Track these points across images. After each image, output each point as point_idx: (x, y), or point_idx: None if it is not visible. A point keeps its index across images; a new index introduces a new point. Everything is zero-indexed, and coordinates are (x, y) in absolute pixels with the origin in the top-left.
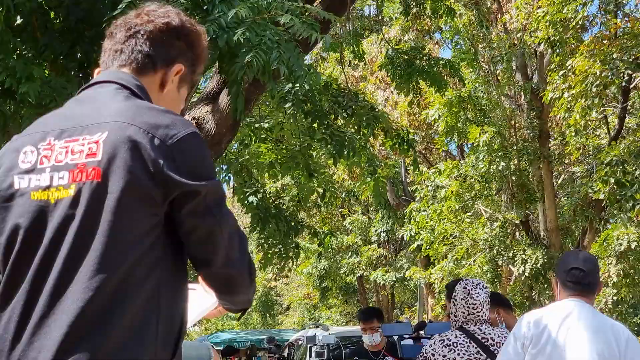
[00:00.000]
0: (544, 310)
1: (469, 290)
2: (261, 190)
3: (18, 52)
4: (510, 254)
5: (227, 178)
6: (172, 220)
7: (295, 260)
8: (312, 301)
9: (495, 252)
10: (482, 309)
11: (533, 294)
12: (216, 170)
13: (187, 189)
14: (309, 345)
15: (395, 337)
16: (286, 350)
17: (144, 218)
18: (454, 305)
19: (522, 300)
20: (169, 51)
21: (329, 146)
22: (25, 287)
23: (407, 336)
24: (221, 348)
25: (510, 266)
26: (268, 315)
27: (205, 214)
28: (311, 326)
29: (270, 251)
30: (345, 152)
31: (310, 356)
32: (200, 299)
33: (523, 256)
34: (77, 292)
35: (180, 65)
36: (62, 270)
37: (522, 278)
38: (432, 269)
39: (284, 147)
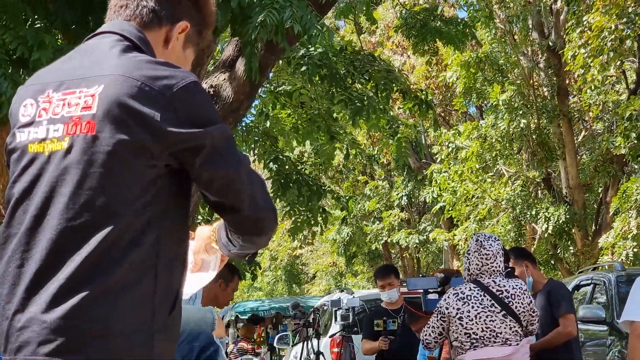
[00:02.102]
0: None
1: (481, 242)
2: (281, 157)
3: (30, 22)
4: (533, 212)
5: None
6: (186, 175)
7: (324, 224)
8: (338, 269)
9: (517, 211)
10: (495, 260)
11: (557, 251)
12: (234, 138)
13: (189, 138)
14: (334, 309)
15: (421, 292)
16: (311, 316)
17: (140, 172)
18: (467, 258)
19: (547, 258)
20: (175, 8)
21: (348, 108)
22: (20, 240)
23: (432, 290)
24: (246, 317)
25: (533, 224)
26: (294, 284)
27: (218, 161)
28: (336, 290)
29: (300, 219)
30: (364, 113)
31: (336, 320)
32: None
33: (546, 214)
34: (72, 245)
35: (185, 22)
36: (56, 224)
37: (546, 236)
38: (455, 230)
39: (304, 112)
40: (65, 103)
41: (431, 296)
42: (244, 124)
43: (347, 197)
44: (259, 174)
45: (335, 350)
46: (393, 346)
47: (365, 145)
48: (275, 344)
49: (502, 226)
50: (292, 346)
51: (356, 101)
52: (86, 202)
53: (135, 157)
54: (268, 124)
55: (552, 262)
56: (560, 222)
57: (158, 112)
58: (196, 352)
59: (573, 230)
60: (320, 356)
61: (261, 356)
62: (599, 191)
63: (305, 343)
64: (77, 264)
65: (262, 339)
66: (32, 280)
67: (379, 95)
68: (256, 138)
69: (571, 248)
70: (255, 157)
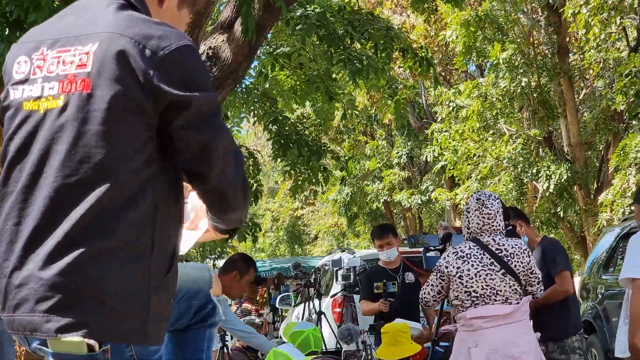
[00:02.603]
0: None
1: (483, 200)
2: (280, 117)
3: None
4: (534, 171)
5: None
6: (166, 134)
7: (325, 183)
8: (339, 229)
9: (519, 169)
10: (495, 219)
11: (558, 210)
12: (234, 100)
13: (178, 99)
14: (335, 269)
15: (421, 249)
16: (313, 276)
17: (135, 130)
18: (467, 217)
19: (548, 217)
20: None
21: (347, 69)
22: (16, 198)
23: (432, 248)
24: None
25: (534, 183)
26: (296, 245)
27: (197, 127)
28: (337, 251)
29: (300, 177)
30: (364, 73)
31: (337, 280)
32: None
33: (547, 172)
34: (69, 202)
35: None
36: (52, 181)
37: (547, 194)
38: (457, 189)
39: (302, 73)
40: (60, 61)
41: (431, 254)
42: (243, 86)
43: (346, 157)
44: (239, 150)
45: (337, 310)
46: (393, 307)
47: (366, 106)
48: (277, 305)
49: (504, 185)
50: (294, 306)
51: (355, 61)
52: (82, 160)
53: (130, 114)
54: (267, 85)
55: (554, 220)
56: (562, 180)
57: (151, 70)
58: (194, 310)
59: (574, 189)
60: (322, 316)
61: (264, 317)
62: (600, 149)
63: (307, 303)
64: (74, 222)
65: (264, 299)
66: (29, 237)
67: (379, 54)
68: (255, 100)
69: (573, 206)
70: (255, 118)
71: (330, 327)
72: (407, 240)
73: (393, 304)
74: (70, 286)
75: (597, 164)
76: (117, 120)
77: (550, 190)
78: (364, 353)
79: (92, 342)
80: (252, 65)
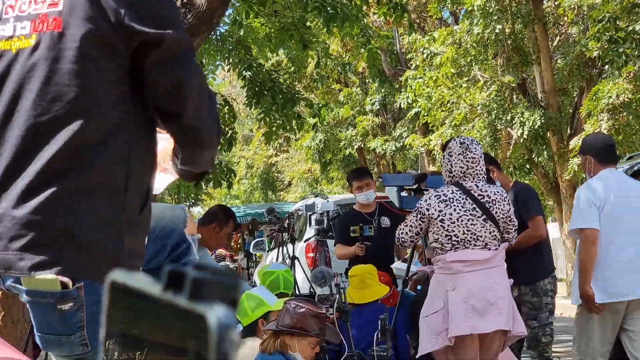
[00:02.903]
0: (601, 179)
1: (467, 144)
2: (254, 65)
3: None
4: (508, 117)
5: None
6: (139, 73)
7: (298, 130)
8: (313, 176)
9: (493, 116)
10: (479, 164)
11: (532, 155)
12: (209, 48)
13: (149, 37)
14: (308, 214)
15: (395, 189)
16: (286, 221)
17: (107, 68)
18: (449, 161)
19: (522, 163)
20: None
21: (321, 16)
22: None
23: (407, 187)
24: None
25: (508, 129)
26: (270, 192)
27: (171, 65)
28: (310, 195)
29: (275, 124)
30: (338, 20)
31: (310, 225)
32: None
33: (521, 118)
34: (41, 141)
35: None
36: (24, 120)
37: (521, 141)
38: (431, 135)
39: (277, 20)
40: (32, 0)
41: (405, 193)
42: (218, 34)
43: (320, 105)
44: (212, 92)
45: (311, 255)
46: (369, 251)
47: (340, 53)
48: (251, 250)
49: (478, 131)
50: (268, 252)
51: (329, 8)
52: (54, 98)
53: (102, 53)
54: (242, 32)
55: (528, 166)
56: (536, 126)
57: (122, 9)
58: (169, 249)
59: (548, 135)
60: (296, 261)
61: (238, 262)
62: (574, 95)
63: (281, 248)
64: (47, 160)
65: (238, 245)
66: (2, 177)
67: (353, 1)
68: (230, 47)
69: (546, 152)
70: (230, 66)
71: (304, 271)
72: (382, 178)
73: (369, 248)
74: (43, 224)
75: (570, 110)
76: (89, 59)
77: (524, 136)
78: (337, 296)
79: (65, 279)
80: (227, 13)
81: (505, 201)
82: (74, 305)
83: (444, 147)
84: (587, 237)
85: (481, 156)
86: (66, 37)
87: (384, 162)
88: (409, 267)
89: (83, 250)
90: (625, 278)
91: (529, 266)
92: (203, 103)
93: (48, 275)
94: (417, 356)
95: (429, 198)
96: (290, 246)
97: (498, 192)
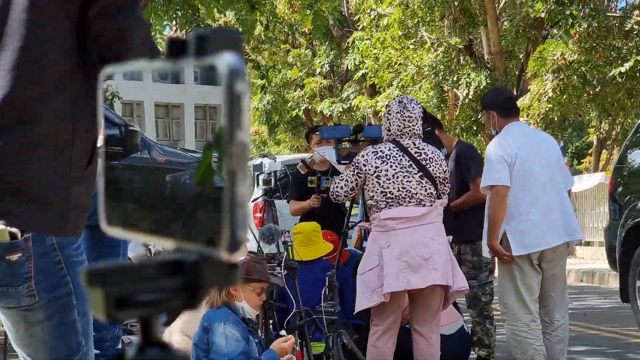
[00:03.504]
0: (508, 133)
1: (405, 103)
2: (202, 25)
3: None
4: (455, 78)
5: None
6: (84, 23)
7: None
8: (260, 137)
9: (440, 77)
10: (417, 123)
11: (479, 117)
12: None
13: None
14: (256, 174)
15: (333, 141)
16: None
17: (57, 19)
18: (387, 119)
19: (469, 124)
20: None
21: None
22: None
23: (345, 139)
24: None
25: (455, 91)
26: None
27: (116, 13)
28: (258, 156)
29: None
30: None
31: (258, 185)
32: None
33: (467, 79)
34: None
35: None
36: None
37: (467, 101)
38: (378, 97)
39: None
40: None
41: (344, 145)
42: None
43: (267, 67)
44: (156, 46)
45: (258, 215)
46: (323, 204)
47: (287, 15)
48: None
49: (425, 92)
50: None
51: None
52: (1, 48)
53: (52, 3)
54: None
55: (474, 128)
56: (481, 87)
57: None
58: None
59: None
60: None
61: None
62: (520, 57)
63: None
64: None
65: None
66: None
67: None
68: (177, 7)
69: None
70: (177, 26)
71: (252, 231)
72: (320, 130)
73: (324, 200)
74: None
75: (516, 73)
76: (38, 8)
77: (470, 97)
78: (285, 253)
79: (14, 229)
80: None
81: (442, 160)
82: (22, 255)
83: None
84: (497, 193)
85: (419, 115)
86: None
87: (331, 124)
88: (347, 221)
89: (31, 203)
90: (539, 229)
91: (469, 225)
92: (146, 54)
93: None
94: (354, 312)
95: (367, 154)
96: None
97: (436, 151)
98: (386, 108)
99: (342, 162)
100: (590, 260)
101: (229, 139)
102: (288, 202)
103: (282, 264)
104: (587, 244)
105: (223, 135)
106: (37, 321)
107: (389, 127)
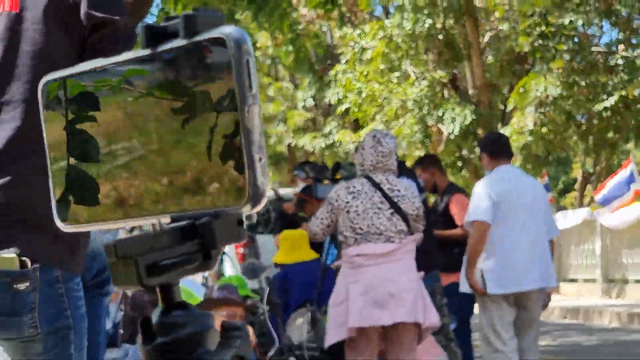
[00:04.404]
0: (496, 174)
1: (378, 138)
2: None
3: None
4: (439, 113)
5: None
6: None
7: None
8: None
9: (424, 111)
10: (390, 158)
11: (463, 152)
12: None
13: (101, 20)
14: None
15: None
16: None
17: (64, 49)
18: (361, 154)
19: (453, 160)
20: None
21: (250, 6)
22: None
23: (325, 179)
24: None
25: (439, 126)
26: None
27: (114, 41)
28: None
29: None
30: (267, 10)
31: None
32: None
33: (452, 114)
34: (3, 120)
35: None
36: None
37: (452, 137)
38: (361, 131)
39: None
40: None
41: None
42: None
43: None
44: None
45: (241, 250)
46: None
47: (269, 47)
48: None
49: (409, 127)
50: None
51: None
52: (12, 78)
53: (59, 34)
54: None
55: (459, 163)
56: (466, 122)
57: None
58: (94, 272)
59: (479, 131)
60: (225, 256)
61: None
62: (505, 91)
63: None
64: (6, 140)
65: None
66: None
67: None
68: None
69: (477, 149)
70: None
71: (234, 266)
72: (295, 169)
73: None
74: (4, 203)
75: (501, 107)
76: (46, 40)
77: (455, 132)
78: (268, 288)
79: (24, 258)
80: (155, 4)
81: (416, 198)
82: (29, 285)
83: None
84: (476, 228)
85: (393, 150)
86: (25, 17)
87: (314, 159)
88: (325, 258)
89: (42, 233)
90: (517, 271)
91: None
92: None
93: (7, 254)
94: (325, 345)
95: (339, 189)
96: None
97: (409, 187)
98: (360, 142)
99: (319, 198)
100: (574, 297)
101: (242, 102)
102: (274, 236)
103: (265, 300)
104: (572, 280)
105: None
106: (36, 353)
107: (362, 161)
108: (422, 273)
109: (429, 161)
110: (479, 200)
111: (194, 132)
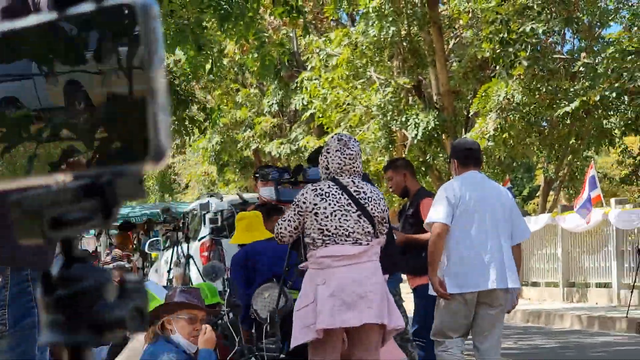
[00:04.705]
0: (460, 180)
1: (345, 141)
2: None
3: None
4: (403, 119)
5: None
6: None
7: (193, 133)
8: (209, 178)
9: (388, 117)
10: (356, 161)
11: (427, 157)
12: None
13: None
14: (203, 213)
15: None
16: (182, 221)
17: None
18: (326, 157)
19: (417, 165)
20: None
21: (216, 14)
22: None
23: (285, 180)
24: (118, 224)
25: (404, 131)
26: (167, 194)
27: None
28: (206, 195)
29: (170, 128)
30: (232, 19)
31: (205, 224)
32: None
33: (416, 120)
34: None
35: None
36: None
37: (416, 142)
38: (325, 137)
39: (172, 21)
40: None
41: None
42: None
43: (211, 109)
44: None
45: (205, 254)
46: None
47: (236, 54)
48: (146, 250)
49: (373, 133)
50: (163, 251)
51: (223, 2)
52: None
53: None
54: None
55: (423, 169)
56: (430, 128)
57: None
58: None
59: (443, 137)
60: (190, 260)
61: (133, 262)
62: (469, 98)
63: (175, 247)
64: None
65: (134, 245)
66: None
67: (250, 2)
68: None
69: (441, 155)
70: None
71: (198, 270)
72: (256, 172)
73: None
74: None
75: (465, 113)
76: None
77: (419, 138)
78: (228, 290)
79: None
80: None
81: (381, 200)
82: (0, 282)
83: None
84: (434, 230)
85: (359, 153)
86: None
87: (280, 165)
88: (287, 263)
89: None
90: (475, 272)
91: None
92: None
93: None
94: (290, 348)
95: (306, 192)
96: (185, 245)
97: (374, 190)
98: (324, 146)
99: (282, 200)
100: (537, 301)
101: (148, 65)
102: None
103: (225, 302)
104: (535, 284)
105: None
106: (2, 350)
107: (327, 165)
108: (386, 275)
109: (402, 164)
110: (439, 203)
111: (99, 92)
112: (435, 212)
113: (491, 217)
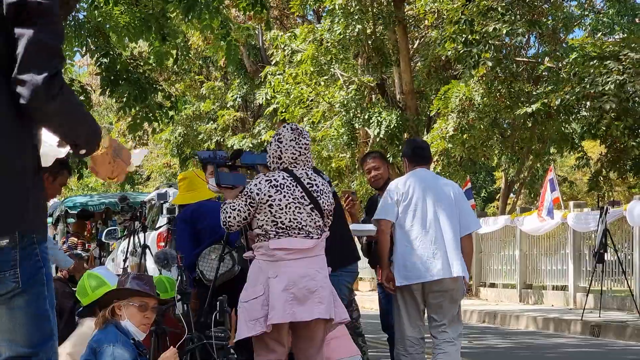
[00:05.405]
0: (407, 176)
1: (300, 131)
2: (111, 53)
3: None
4: (366, 117)
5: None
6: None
7: (162, 121)
8: (172, 170)
9: (351, 114)
10: (309, 152)
11: (388, 155)
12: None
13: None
14: (161, 202)
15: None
16: (139, 210)
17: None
18: (279, 147)
19: None
20: None
21: (181, 4)
22: None
23: (224, 164)
24: (76, 212)
25: (366, 129)
26: (128, 185)
27: (29, 24)
28: (164, 185)
29: (138, 116)
30: (197, 9)
31: (162, 213)
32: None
33: (378, 118)
34: None
35: None
36: None
37: (378, 140)
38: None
39: (137, 10)
40: None
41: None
42: (77, 19)
43: (176, 97)
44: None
45: (162, 244)
46: None
47: (200, 47)
48: (103, 239)
49: (335, 129)
50: (120, 240)
51: None
52: None
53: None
54: (100, 19)
55: None
56: (392, 126)
57: None
58: None
59: (405, 136)
60: (147, 250)
61: (91, 252)
62: (432, 98)
63: (132, 237)
64: None
65: (92, 234)
66: None
67: None
68: (87, 34)
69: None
70: (88, 52)
71: (152, 256)
72: (197, 154)
73: None
74: None
75: (428, 113)
76: None
77: (381, 136)
78: (180, 278)
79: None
80: None
81: (330, 193)
82: (9, 242)
83: None
84: (379, 227)
85: (310, 144)
86: None
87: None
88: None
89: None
90: (419, 263)
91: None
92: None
93: None
94: (234, 341)
95: (260, 182)
96: (141, 235)
97: (324, 182)
98: (275, 135)
99: (222, 185)
100: (493, 302)
101: None
102: None
103: (176, 289)
104: (492, 285)
105: None
106: (18, 306)
107: (280, 154)
108: (329, 269)
109: (384, 156)
110: (384, 201)
111: None
112: (380, 209)
113: (439, 210)
